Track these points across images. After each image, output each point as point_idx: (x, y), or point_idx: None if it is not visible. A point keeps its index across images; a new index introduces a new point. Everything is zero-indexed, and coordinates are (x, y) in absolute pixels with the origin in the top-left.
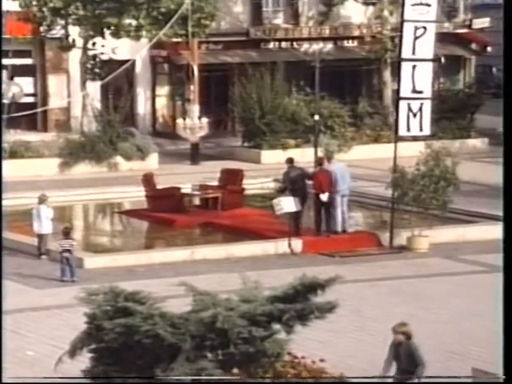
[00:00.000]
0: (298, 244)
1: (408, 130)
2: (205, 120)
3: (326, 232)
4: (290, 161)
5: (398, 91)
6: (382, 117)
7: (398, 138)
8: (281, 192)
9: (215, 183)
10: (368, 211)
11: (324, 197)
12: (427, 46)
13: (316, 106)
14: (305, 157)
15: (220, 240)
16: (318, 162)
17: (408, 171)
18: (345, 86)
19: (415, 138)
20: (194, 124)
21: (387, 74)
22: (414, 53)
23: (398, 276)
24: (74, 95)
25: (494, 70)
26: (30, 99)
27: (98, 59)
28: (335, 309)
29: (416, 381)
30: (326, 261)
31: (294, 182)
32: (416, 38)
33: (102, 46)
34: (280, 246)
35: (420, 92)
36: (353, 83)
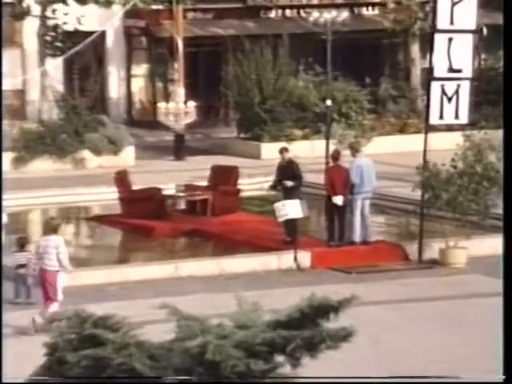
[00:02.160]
0: (305, 257)
1: (441, 117)
2: (192, 105)
3: (341, 242)
4: (284, 151)
5: (429, 70)
6: (409, 102)
7: (428, 128)
8: (273, 189)
9: (204, 183)
10: (391, 217)
11: (338, 200)
12: (468, 14)
13: (328, 88)
14: (314, 150)
15: (210, 252)
16: (334, 156)
17: (441, 168)
18: (363, 64)
19: (450, 128)
20: (179, 110)
21: (415, 49)
22: (451, 22)
23: (428, 297)
24: (30, 75)
25: None
26: None
27: (59, 30)
28: (351, 337)
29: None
30: (341, 278)
31: (287, 176)
32: (454, 3)
33: (65, 14)
34: (284, 259)
35: (457, 71)
36: (373, 60)
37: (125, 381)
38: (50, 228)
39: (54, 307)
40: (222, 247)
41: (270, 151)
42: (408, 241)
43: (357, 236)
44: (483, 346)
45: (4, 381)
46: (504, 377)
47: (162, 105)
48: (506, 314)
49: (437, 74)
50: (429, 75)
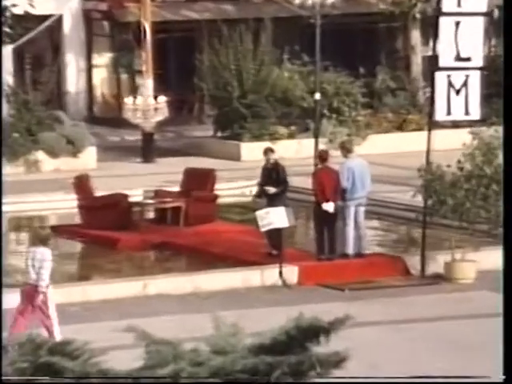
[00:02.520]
0: (292, 272)
1: (448, 113)
2: (162, 100)
3: (332, 255)
4: (269, 151)
5: (433, 59)
6: (410, 95)
7: (432, 125)
8: (258, 197)
9: (176, 188)
10: (390, 226)
11: (329, 206)
12: None
13: (317, 80)
14: (301, 151)
15: (183, 267)
16: (322, 156)
17: (446, 171)
18: (357, 53)
19: (456, 125)
20: (148, 106)
21: (416, 35)
22: (459, 4)
23: (431, 317)
24: None
25: None
26: None
27: (7, 14)
28: (344, 363)
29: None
30: (332, 295)
31: (272, 180)
32: None
33: None
34: (267, 275)
35: (466, 59)
36: (368, 48)
37: (124, 381)
38: (39, 238)
39: (53, 324)
40: (197, 261)
41: (251, 152)
42: (409, 253)
43: (350, 248)
44: (490, 371)
45: (4, 381)
46: (504, 377)
47: (128, 100)
48: (506, 314)
49: (442, 63)
50: (433, 65)
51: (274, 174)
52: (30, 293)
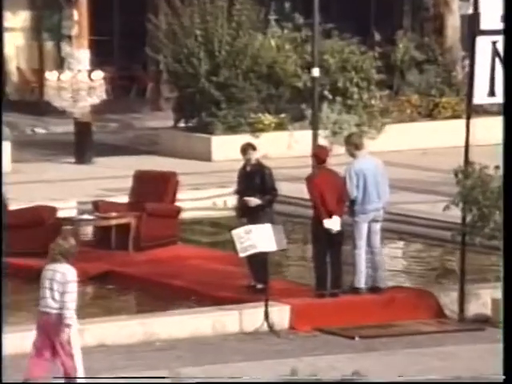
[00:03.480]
0: (283, 313)
1: (492, 93)
2: (98, 76)
3: (336, 290)
4: (250, 149)
5: (474, 19)
6: (443, 69)
7: (473, 110)
8: (240, 212)
9: (124, 199)
10: (416, 249)
11: (332, 223)
12: None
13: (315, 50)
14: (294, 146)
15: (133, 307)
16: (319, 155)
17: (493, 174)
18: (370, 12)
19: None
20: (78, 83)
21: None
22: None
23: (474, 375)
24: None
25: None
26: None
27: None
28: None
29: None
30: (338, 345)
31: (253, 188)
32: None
33: None
34: (248, 317)
35: None
36: (385, 4)
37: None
38: (59, 252)
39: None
40: (152, 299)
41: (226, 148)
42: (442, 286)
43: (362, 280)
44: None
45: (4, 381)
46: (504, 377)
47: (51, 75)
48: (506, 314)
49: (485, 25)
50: (474, 27)
51: (256, 179)
52: (49, 325)
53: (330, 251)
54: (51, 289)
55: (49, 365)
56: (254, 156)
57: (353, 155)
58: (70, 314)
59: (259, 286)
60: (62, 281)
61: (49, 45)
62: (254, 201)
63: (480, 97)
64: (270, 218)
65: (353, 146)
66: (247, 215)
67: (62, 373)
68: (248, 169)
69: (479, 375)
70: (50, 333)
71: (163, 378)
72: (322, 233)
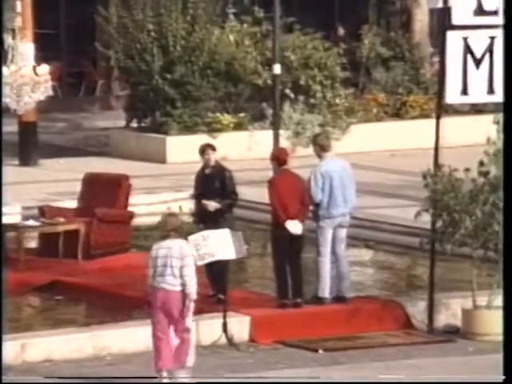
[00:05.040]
0: (242, 324)
1: (464, 92)
2: (44, 70)
3: (298, 300)
4: (209, 149)
5: (444, 13)
6: (410, 66)
7: (443, 110)
8: (196, 217)
9: (72, 204)
10: (383, 257)
11: (293, 226)
12: None
13: (276, 45)
14: (254, 148)
15: (81, 319)
16: (278, 157)
17: (464, 177)
18: (333, 5)
19: (478, 110)
20: (21, 78)
21: None
22: None
23: None
24: None
25: None
26: None
27: None
28: None
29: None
30: (300, 358)
31: (212, 191)
32: None
33: None
34: (205, 329)
35: (491, 13)
36: None
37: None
38: (171, 228)
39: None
40: (103, 310)
41: (181, 150)
42: (411, 296)
43: (326, 289)
44: None
45: (4, 381)
46: (504, 377)
47: None
48: (505, 313)
49: (457, 19)
50: (444, 21)
51: (216, 182)
52: (171, 301)
53: (291, 258)
54: (170, 266)
55: (172, 342)
56: (213, 157)
57: (319, 157)
58: (193, 288)
59: (220, 296)
60: (180, 256)
61: None
62: (212, 205)
63: (452, 96)
64: (230, 223)
65: (319, 146)
66: (206, 221)
67: (176, 347)
68: (207, 171)
69: None
70: (172, 309)
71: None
72: (281, 239)
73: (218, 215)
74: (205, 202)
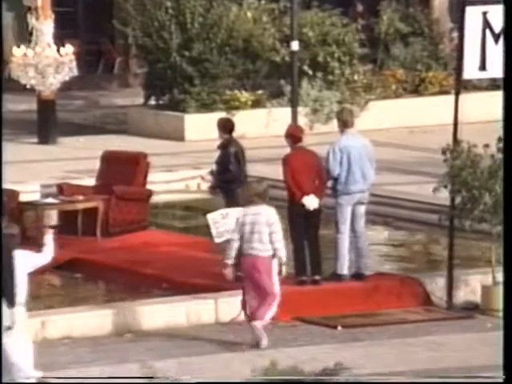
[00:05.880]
0: None
1: (483, 67)
2: (69, 51)
3: (317, 277)
4: (228, 126)
5: None
6: (429, 42)
7: (462, 86)
8: (213, 190)
9: (91, 181)
10: (402, 233)
11: (309, 201)
12: None
13: (294, 22)
14: (272, 125)
15: (101, 297)
16: (293, 135)
17: (483, 153)
18: None
19: (497, 85)
20: (46, 59)
21: None
22: None
23: (462, 366)
24: None
25: None
26: None
27: None
28: None
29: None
30: (319, 335)
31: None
32: None
33: None
34: (224, 306)
35: None
36: None
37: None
38: (254, 193)
39: (272, 309)
40: (122, 288)
41: (200, 127)
42: (430, 273)
43: (344, 266)
44: None
45: (4, 381)
46: (504, 377)
47: (16, 51)
48: (505, 313)
49: None
50: None
51: (219, 157)
52: (260, 266)
53: (309, 235)
54: (258, 232)
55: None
56: (227, 134)
57: (341, 132)
58: (282, 253)
59: (239, 273)
60: (268, 222)
61: (8, 16)
62: (206, 178)
63: (470, 71)
64: (229, 198)
65: (341, 122)
66: (226, 197)
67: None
68: (229, 150)
69: (468, 366)
70: (260, 273)
71: (164, 377)
72: (297, 217)
73: (223, 189)
74: (203, 175)
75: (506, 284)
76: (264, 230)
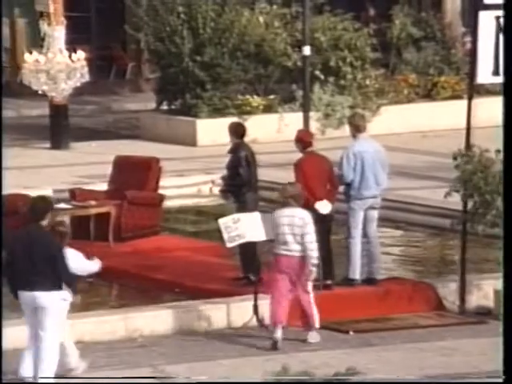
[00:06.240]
0: None
1: (496, 72)
2: (81, 56)
3: (328, 281)
4: (239, 130)
5: None
6: (442, 47)
7: (475, 90)
8: (225, 194)
9: (103, 186)
10: (414, 238)
11: (321, 207)
12: None
13: (306, 27)
14: (284, 130)
15: (113, 301)
16: (302, 139)
17: (495, 158)
18: None
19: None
20: (58, 65)
21: None
22: None
23: (475, 372)
24: None
25: None
26: None
27: None
28: None
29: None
30: (331, 340)
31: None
32: None
33: None
34: (236, 311)
35: None
36: None
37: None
38: (289, 195)
39: (311, 308)
40: (134, 292)
41: (212, 132)
42: (442, 278)
43: (356, 271)
44: None
45: (4, 381)
46: (504, 377)
47: (28, 56)
48: (505, 313)
49: None
50: (476, 1)
51: (229, 162)
52: (294, 266)
53: (321, 240)
54: (293, 234)
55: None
56: (238, 139)
57: (354, 136)
58: (315, 253)
59: (252, 277)
60: (302, 224)
61: (21, 22)
62: (215, 182)
63: (483, 76)
64: (243, 203)
65: (354, 127)
66: (238, 202)
67: (301, 312)
68: (239, 153)
69: (480, 371)
70: (294, 273)
71: (165, 377)
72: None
73: (235, 194)
74: (214, 179)
75: (506, 283)
76: (298, 232)
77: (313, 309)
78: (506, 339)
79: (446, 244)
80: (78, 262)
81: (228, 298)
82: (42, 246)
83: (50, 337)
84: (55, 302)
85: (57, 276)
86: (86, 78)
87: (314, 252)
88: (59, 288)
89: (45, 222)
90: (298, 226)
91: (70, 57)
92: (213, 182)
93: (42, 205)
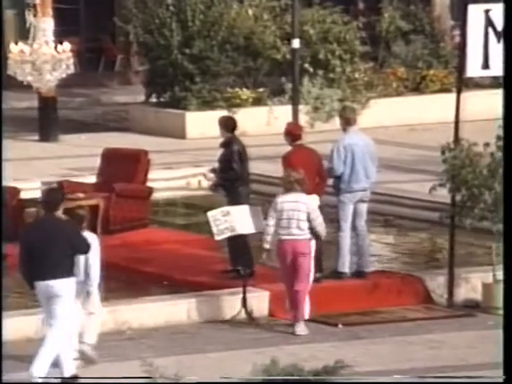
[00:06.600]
0: (262, 300)
1: (485, 65)
2: (66, 48)
3: (318, 275)
4: (230, 124)
5: None
6: (431, 40)
7: (464, 84)
8: (215, 188)
9: (92, 179)
10: (402, 232)
11: (311, 200)
12: None
13: (295, 20)
14: (273, 123)
15: (101, 294)
16: (291, 132)
17: (483, 151)
18: None
19: (498, 83)
20: (44, 56)
21: None
22: None
23: (463, 364)
24: None
25: None
26: None
27: None
28: None
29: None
30: (320, 333)
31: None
32: None
33: None
34: (225, 303)
35: None
36: None
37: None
38: (294, 180)
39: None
40: (122, 285)
41: (201, 125)
42: (430, 270)
43: (345, 264)
44: None
45: (4, 381)
46: (504, 377)
47: (13, 47)
48: (505, 313)
49: None
50: None
51: (221, 156)
52: (298, 251)
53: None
54: (297, 219)
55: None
56: (228, 132)
57: (344, 130)
58: (323, 232)
59: (241, 269)
60: (307, 210)
61: (10, 14)
62: (209, 176)
63: (473, 69)
64: (235, 197)
65: (344, 120)
66: (228, 195)
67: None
68: (232, 146)
69: (469, 364)
70: (304, 255)
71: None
72: None
73: (226, 188)
74: (205, 173)
75: (506, 282)
76: (302, 218)
77: (305, 300)
78: (506, 339)
79: (434, 237)
80: (98, 244)
81: (217, 290)
82: (62, 235)
83: (60, 325)
84: (69, 289)
85: (71, 264)
86: (72, 69)
87: (323, 231)
88: (72, 275)
89: (59, 212)
90: (302, 212)
91: (55, 48)
92: (204, 175)
93: (55, 195)
